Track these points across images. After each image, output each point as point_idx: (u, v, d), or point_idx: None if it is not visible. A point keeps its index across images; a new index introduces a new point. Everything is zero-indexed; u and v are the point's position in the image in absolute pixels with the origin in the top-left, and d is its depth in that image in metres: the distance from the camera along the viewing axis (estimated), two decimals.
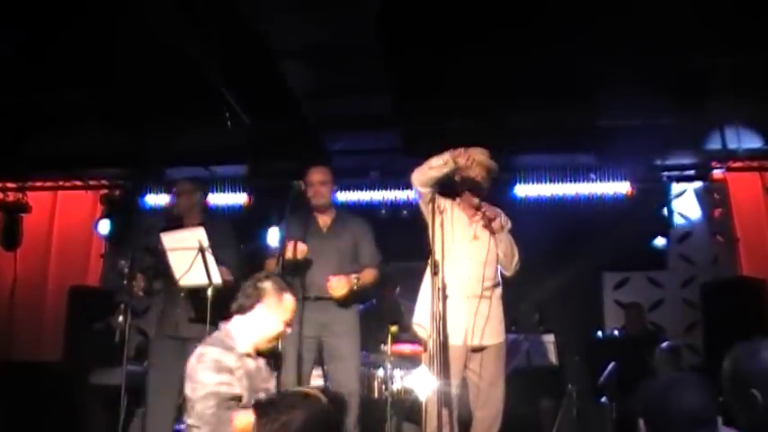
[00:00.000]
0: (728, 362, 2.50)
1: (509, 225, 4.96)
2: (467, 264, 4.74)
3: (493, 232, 4.79)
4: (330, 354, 5.22)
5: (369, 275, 5.29)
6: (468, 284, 4.72)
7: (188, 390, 3.55)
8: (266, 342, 3.75)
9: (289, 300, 3.75)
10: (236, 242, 5.56)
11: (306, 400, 2.59)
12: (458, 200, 4.95)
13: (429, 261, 4.51)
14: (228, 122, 6.60)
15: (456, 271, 4.67)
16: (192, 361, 3.57)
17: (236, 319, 3.73)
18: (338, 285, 5.05)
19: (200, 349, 3.61)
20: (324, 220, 5.41)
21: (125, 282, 5.18)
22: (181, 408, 5.58)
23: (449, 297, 4.56)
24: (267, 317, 3.69)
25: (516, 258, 4.86)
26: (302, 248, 5.01)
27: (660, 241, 8.63)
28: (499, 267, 4.86)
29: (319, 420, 2.53)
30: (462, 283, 4.70)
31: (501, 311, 4.84)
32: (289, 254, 4.89)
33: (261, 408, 2.59)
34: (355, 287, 5.12)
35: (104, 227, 8.78)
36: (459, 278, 4.70)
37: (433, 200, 4.62)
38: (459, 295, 4.68)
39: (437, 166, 4.67)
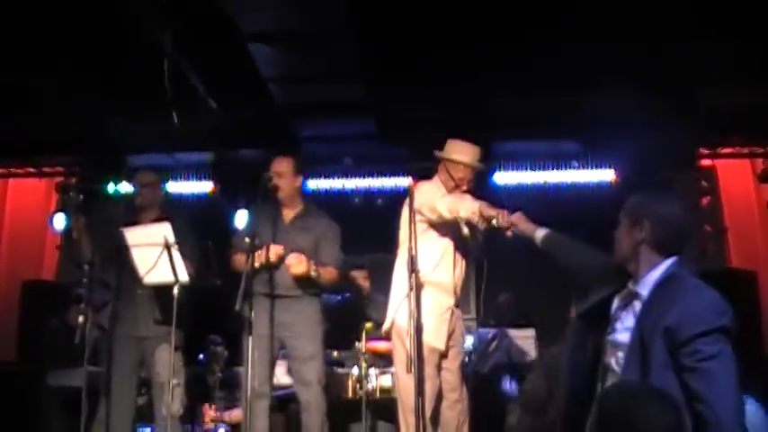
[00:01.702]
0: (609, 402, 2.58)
1: None
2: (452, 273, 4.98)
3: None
4: (292, 354, 5.32)
5: (328, 272, 5.31)
6: (452, 291, 4.96)
7: None
8: None
9: None
10: (194, 236, 5.53)
11: None
12: None
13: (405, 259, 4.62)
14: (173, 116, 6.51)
15: (442, 279, 4.91)
16: None
17: None
18: (297, 261, 5.08)
19: None
20: (288, 214, 5.43)
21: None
22: (140, 409, 5.71)
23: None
24: None
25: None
26: (277, 250, 5.08)
27: None
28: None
29: None
30: (449, 290, 4.94)
31: None
32: (262, 258, 4.96)
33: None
34: (313, 272, 5.15)
35: (59, 221, 8.44)
36: (445, 286, 4.93)
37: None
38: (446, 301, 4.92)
39: (465, 216, 4.66)
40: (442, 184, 5.02)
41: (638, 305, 2.94)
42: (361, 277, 7.06)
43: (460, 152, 5.00)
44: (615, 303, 3.08)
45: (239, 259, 5.20)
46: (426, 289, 4.71)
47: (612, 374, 2.95)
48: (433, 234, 4.91)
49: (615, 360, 2.94)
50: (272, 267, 5.15)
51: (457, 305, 5.04)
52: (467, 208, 4.60)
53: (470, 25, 6.09)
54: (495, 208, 4.34)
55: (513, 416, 6.04)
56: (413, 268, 4.42)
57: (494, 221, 4.30)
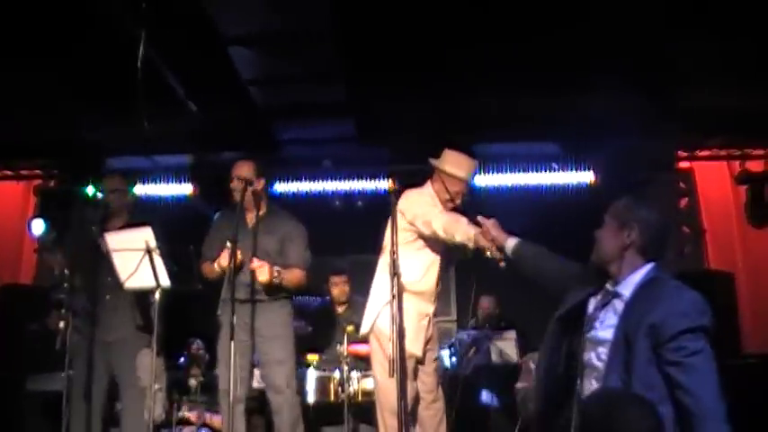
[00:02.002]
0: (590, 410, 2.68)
1: None
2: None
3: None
4: (263, 358, 5.34)
5: (293, 275, 5.31)
6: (433, 299, 5.04)
7: None
8: None
9: None
10: (164, 241, 5.51)
11: None
12: None
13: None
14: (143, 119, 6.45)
15: (426, 288, 4.97)
16: None
17: None
18: (259, 269, 5.10)
19: None
20: (252, 217, 5.41)
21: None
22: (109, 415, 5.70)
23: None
24: None
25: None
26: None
27: None
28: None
29: None
30: (430, 298, 5.02)
31: None
32: (224, 261, 4.95)
33: None
34: (276, 279, 5.15)
35: (38, 227, 8.21)
36: (427, 295, 5.00)
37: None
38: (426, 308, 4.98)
39: (460, 241, 4.64)
40: (436, 194, 5.02)
41: (619, 305, 3.03)
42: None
43: (458, 165, 4.99)
44: (593, 304, 3.16)
45: (208, 268, 5.24)
46: (409, 297, 4.75)
47: (591, 369, 3.02)
48: (422, 244, 4.93)
49: (596, 355, 3.02)
50: (238, 272, 5.14)
51: (435, 313, 5.09)
52: (462, 233, 4.53)
53: (452, 28, 6.09)
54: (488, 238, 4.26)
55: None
56: (395, 272, 4.42)
57: (487, 253, 4.27)
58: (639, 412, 2.54)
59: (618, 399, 2.65)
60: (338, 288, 6.97)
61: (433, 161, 5.04)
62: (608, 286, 3.15)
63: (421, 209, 4.81)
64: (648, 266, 3.07)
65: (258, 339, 5.25)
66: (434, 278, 5.01)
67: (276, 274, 5.14)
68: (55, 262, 5.40)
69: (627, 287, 3.06)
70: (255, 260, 5.11)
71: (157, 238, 4.91)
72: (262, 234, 5.32)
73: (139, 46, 5.81)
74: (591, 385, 2.98)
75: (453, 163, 4.99)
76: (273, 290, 5.24)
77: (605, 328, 3.06)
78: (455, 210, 4.96)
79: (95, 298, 5.43)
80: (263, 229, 5.35)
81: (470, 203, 5.05)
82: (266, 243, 5.30)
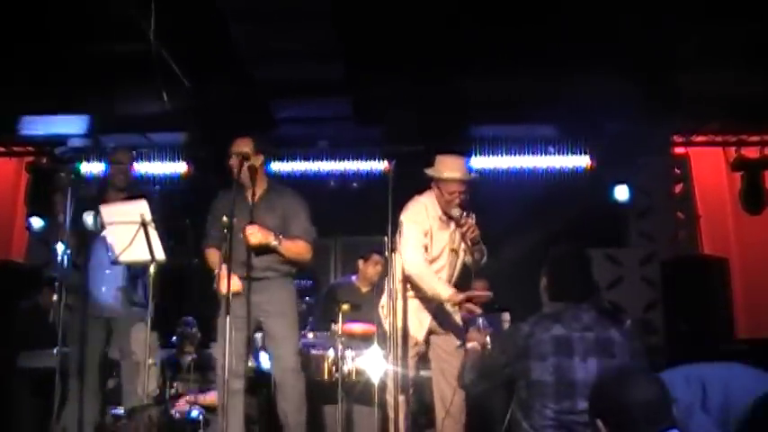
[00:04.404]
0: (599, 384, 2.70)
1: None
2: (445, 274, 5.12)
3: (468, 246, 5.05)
4: (268, 334, 5.33)
5: (295, 245, 5.26)
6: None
7: None
8: None
9: None
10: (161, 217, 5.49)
11: None
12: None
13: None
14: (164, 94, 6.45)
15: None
16: None
17: None
18: (252, 232, 5.07)
19: None
20: (252, 195, 5.28)
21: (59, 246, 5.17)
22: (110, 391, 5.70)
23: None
24: None
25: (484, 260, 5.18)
26: (236, 286, 5.00)
27: (622, 193, 8.81)
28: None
29: None
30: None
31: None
32: (223, 288, 4.87)
33: None
34: (274, 241, 5.12)
35: (37, 223, 8.71)
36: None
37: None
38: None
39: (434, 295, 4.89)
40: (437, 200, 5.10)
41: None
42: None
43: (449, 168, 5.05)
44: None
45: (212, 254, 5.22)
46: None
47: None
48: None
49: None
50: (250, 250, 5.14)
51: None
52: (429, 288, 4.86)
53: (449, 8, 6.07)
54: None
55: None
56: (392, 248, 4.59)
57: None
58: (647, 380, 2.55)
59: (625, 373, 2.67)
60: (374, 269, 6.91)
61: (428, 171, 5.11)
62: None
63: (405, 231, 4.91)
64: None
65: (262, 315, 5.24)
66: (442, 268, 5.11)
67: (273, 238, 5.12)
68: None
69: None
70: (248, 226, 5.10)
71: (154, 213, 4.87)
72: (262, 211, 5.27)
73: (138, 23, 5.81)
74: None
75: (444, 167, 5.07)
76: (279, 265, 5.24)
77: None
78: (459, 206, 5.01)
79: (93, 274, 5.42)
80: (264, 207, 5.30)
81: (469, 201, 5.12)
82: (267, 220, 5.25)
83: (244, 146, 5.27)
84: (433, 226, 5.07)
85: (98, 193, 5.64)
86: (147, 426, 4.76)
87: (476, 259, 5.12)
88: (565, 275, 3.69)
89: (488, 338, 4.12)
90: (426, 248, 4.99)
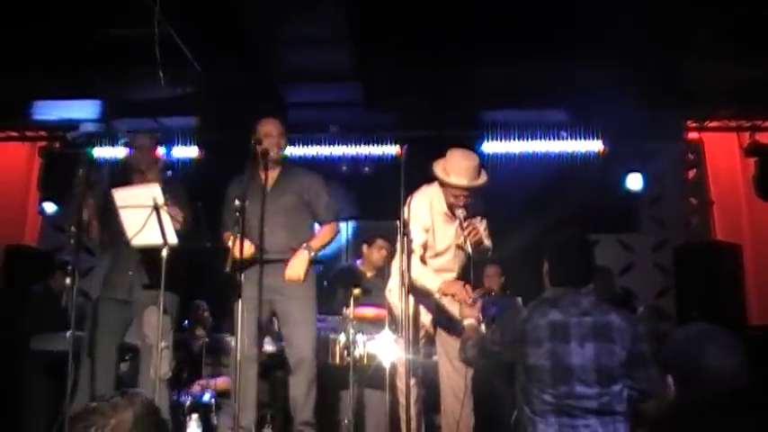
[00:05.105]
0: (677, 339, 2.67)
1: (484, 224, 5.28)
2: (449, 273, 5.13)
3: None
4: (284, 318, 5.32)
5: (323, 237, 5.35)
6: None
7: None
8: None
9: None
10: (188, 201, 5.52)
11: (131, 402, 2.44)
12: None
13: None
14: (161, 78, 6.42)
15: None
16: None
17: None
18: (293, 270, 5.14)
19: None
20: (270, 177, 5.34)
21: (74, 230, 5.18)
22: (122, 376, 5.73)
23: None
24: None
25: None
26: (248, 249, 5.01)
27: (634, 182, 8.79)
28: None
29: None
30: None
31: None
32: (236, 253, 4.85)
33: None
34: (310, 254, 5.19)
35: (50, 207, 8.83)
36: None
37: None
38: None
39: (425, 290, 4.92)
40: (444, 195, 5.11)
41: None
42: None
43: (456, 172, 4.99)
44: None
45: (228, 236, 5.22)
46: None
47: None
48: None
49: None
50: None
51: None
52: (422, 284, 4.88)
53: None
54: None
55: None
56: (404, 232, 4.64)
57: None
58: (725, 346, 2.53)
59: (703, 334, 2.61)
60: (378, 254, 6.90)
61: (436, 171, 5.07)
62: None
63: (411, 221, 4.89)
64: None
65: (277, 298, 5.23)
66: (449, 263, 5.16)
67: (306, 252, 5.19)
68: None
69: None
70: (287, 270, 5.15)
71: (180, 197, 5.00)
72: (280, 193, 5.31)
73: (148, 7, 5.80)
74: None
75: (451, 169, 5.01)
76: (292, 244, 5.27)
77: None
78: (464, 208, 5.03)
79: (110, 258, 5.49)
80: (281, 188, 5.34)
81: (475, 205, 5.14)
82: (285, 201, 5.28)
83: (271, 126, 5.33)
84: (438, 220, 5.08)
85: (109, 178, 5.66)
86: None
87: (478, 258, 5.14)
88: (565, 260, 3.74)
89: (481, 315, 4.18)
90: (426, 245, 5.00)
